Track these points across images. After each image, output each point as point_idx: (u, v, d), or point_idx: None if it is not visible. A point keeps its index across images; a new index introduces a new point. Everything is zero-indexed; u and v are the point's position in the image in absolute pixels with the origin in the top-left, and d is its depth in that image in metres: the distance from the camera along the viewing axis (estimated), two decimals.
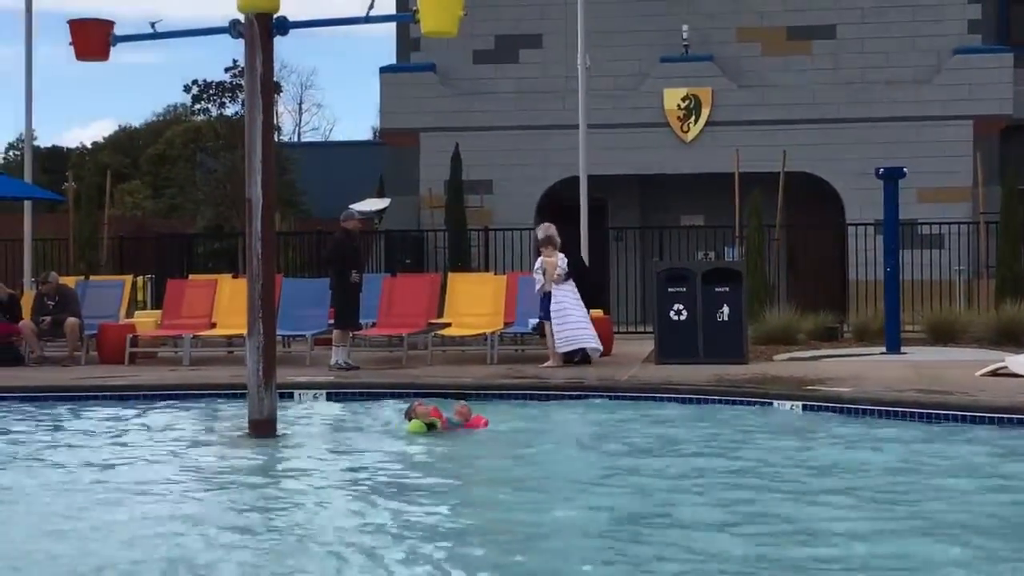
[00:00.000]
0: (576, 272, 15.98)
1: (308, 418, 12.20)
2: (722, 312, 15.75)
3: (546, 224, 16.43)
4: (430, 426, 10.72)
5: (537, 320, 16.08)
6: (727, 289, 15.85)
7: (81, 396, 13.60)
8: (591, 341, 15.65)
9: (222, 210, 31.86)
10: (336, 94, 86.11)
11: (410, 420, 10.84)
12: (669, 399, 12.63)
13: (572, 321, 15.55)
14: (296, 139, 50.73)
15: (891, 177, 16.98)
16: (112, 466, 9.54)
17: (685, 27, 24.92)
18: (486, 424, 11.02)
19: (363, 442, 10.64)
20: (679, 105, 24.71)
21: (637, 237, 24.06)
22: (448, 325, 17.11)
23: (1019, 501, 7.90)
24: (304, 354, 16.54)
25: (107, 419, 12.26)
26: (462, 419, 10.96)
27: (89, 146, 55.13)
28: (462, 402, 11.41)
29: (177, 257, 25.46)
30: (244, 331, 11.10)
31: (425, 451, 10.09)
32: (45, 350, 17.23)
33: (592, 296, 16.67)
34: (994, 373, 13.41)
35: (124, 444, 10.77)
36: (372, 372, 15.10)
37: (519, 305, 16.78)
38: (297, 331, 16.97)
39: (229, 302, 17.31)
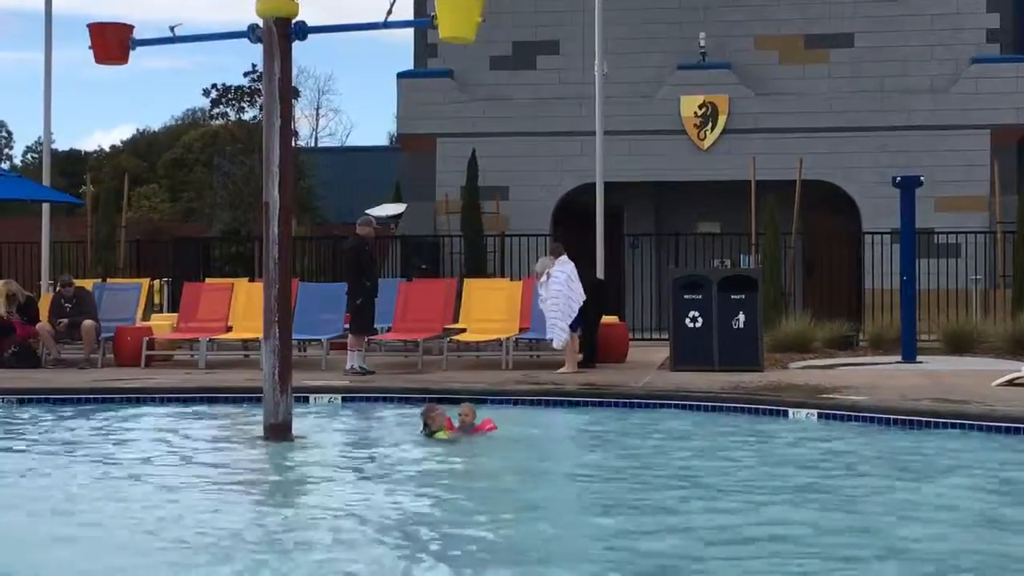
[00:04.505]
0: (595, 292, 16.14)
1: (323, 422, 12.22)
2: (738, 320, 15.75)
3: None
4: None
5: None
6: (743, 297, 15.84)
7: (97, 398, 13.64)
8: (549, 332, 15.75)
9: (239, 214, 31.97)
10: (353, 99, 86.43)
11: (425, 426, 10.79)
12: (684, 406, 12.61)
13: (550, 313, 15.63)
14: (313, 144, 50.87)
15: (908, 186, 16.95)
16: (126, 469, 9.55)
17: (702, 35, 24.94)
18: (493, 427, 11.01)
19: (377, 446, 10.66)
20: (696, 112, 24.72)
21: (653, 244, 24.07)
22: (463, 330, 17.13)
23: None
24: (320, 358, 16.56)
25: (122, 422, 12.30)
26: (466, 421, 10.93)
27: (107, 150, 55.39)
28: (465, 404, 11.37)
29: (194, 261, 25.55)
30: (260, 335, 11.13)
31: (436, 455, 10.09)
32: (62, 352, 17.29)
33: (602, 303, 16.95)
34: (1011, 383, 13.37)
35: (139, 447, 10.79)
36: (387, 377, 15.11)
37: (534, 311, 16.78)
38: (313, 335, 17.00)
39: (245, 306, 17.35)
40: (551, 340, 15.76)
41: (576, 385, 13.97)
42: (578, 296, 15.69)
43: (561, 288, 15.51)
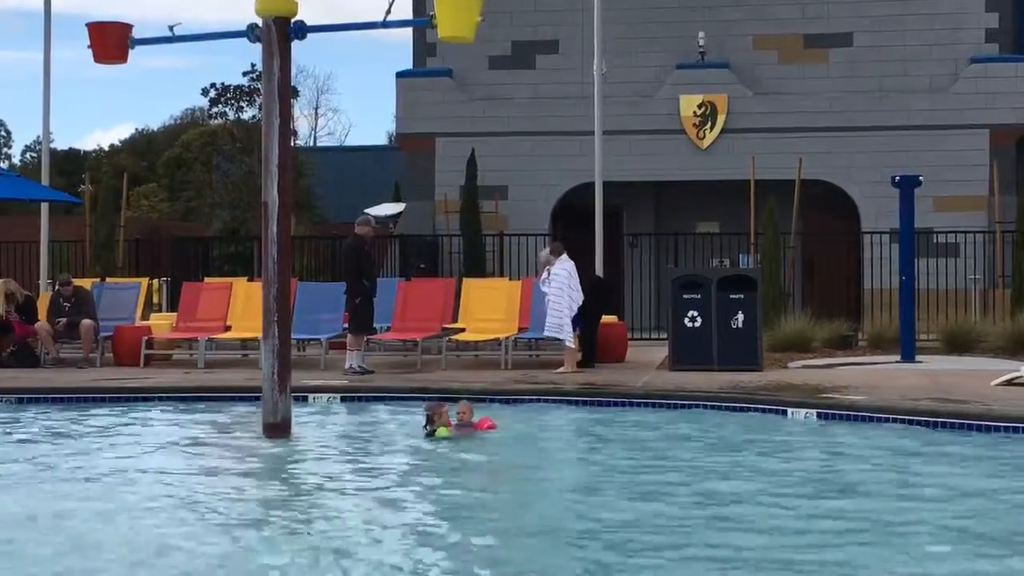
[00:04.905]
0: (595, 291, 16.19)
1: (322, 421, 12.22)
2: (737, 319, 15.75)
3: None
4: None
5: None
6: (742, 296, 15.84)
7: (96, 398, 13.63)
8: (551, 331, 15.71)
9: (238, 213, 31.96)
10: (353, 99, 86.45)
11: (430, 421, 10.78)
12: (683, 406, 12.60)
13: (553, 311, 15.61)
14: (312, 143, 50.86)
15: (907, 185, 16.95)
16: (125, 469, 9.56)
17: (702, 34, 24.93)
18: (492, 425, 11.01)
19: (375, 446, 10.66)
20: (695, 112, 24.71)
21: (652, 244, 24.06)
22: (462, 330, 17.13)
23: None
24: (319, 358, 16.56)
25: (121, 421, 12.30)
26: (463, 418, 10.93)
27: (106, 149, 55.38)
28: (463, 401, 11.38)
29: (193, 260, 25.54)
30: (259, 334, 11.13)
31: (435, 454, 10.10)
32: (61, 352, 17.28)
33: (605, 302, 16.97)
34: (1009, 382, 13.37)
35: (137, 447, 10.79)
36: (386, 376, 15.11)
37: (533, 310, 16.77)
38: (312, 335, 17.01)
39: (244, 305, 17.35)
40: (561, 338, 15.73)
41: (575, 385, 13.97)
42: (578, 295, 15.70)
43: (562, 286, 15.55)
